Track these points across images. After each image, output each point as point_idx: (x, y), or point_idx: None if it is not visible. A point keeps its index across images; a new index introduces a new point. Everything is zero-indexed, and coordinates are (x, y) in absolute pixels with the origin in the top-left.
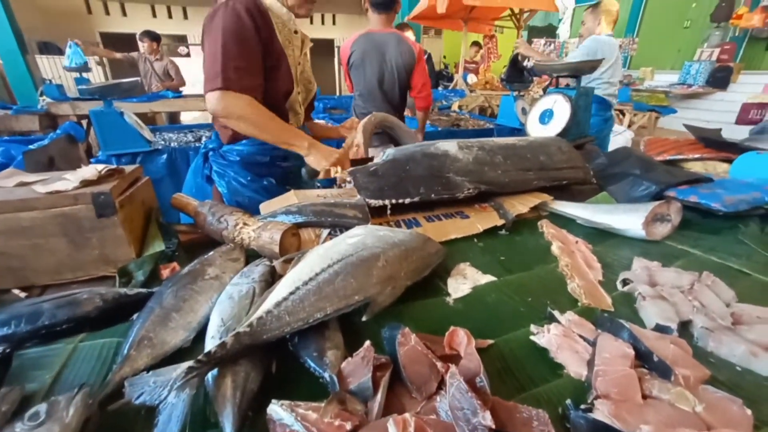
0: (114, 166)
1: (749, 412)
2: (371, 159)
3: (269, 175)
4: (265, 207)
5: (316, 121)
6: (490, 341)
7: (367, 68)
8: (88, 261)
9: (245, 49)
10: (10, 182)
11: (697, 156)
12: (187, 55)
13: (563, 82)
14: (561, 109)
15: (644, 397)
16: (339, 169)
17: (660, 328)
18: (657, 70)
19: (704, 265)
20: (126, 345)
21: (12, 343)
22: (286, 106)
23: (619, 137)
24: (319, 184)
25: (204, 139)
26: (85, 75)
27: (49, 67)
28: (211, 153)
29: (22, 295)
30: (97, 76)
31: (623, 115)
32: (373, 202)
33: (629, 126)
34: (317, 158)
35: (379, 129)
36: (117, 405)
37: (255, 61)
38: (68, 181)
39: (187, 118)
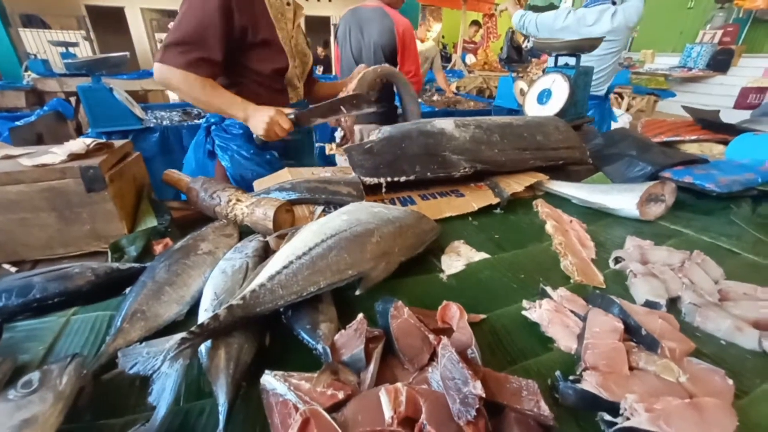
0: (103, 141)
1: (731, 382)
2: (358, 98)
3: (272, 148)
4: (259, 184)
5: (322, 82)
6: (483, 316)
7: (347, 45)
8: (78, 236)
9: (203, 21)
10: None
11: (693, 137)
12: None
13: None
14: (559, 88)
15: (631, 368)
16: (334, 145)
17: (649, 304)
18: (658, 52)
19: (695, 245)
20: (119, 318)
21: (3, 315)
22: (285, 82)
23: (618, 121)
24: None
25: (200, 116)
26: (71, 50)
27: (33, 41)
28: (213, 127)
29: (13, 269)
30: (83, 50)
31: (622, 98)
32: (368, 179)
33: (627, 109)
34: (254, 124)
35: (383, 81)
36: (111, 375)
37: (211, 37)
38: (55, 154)
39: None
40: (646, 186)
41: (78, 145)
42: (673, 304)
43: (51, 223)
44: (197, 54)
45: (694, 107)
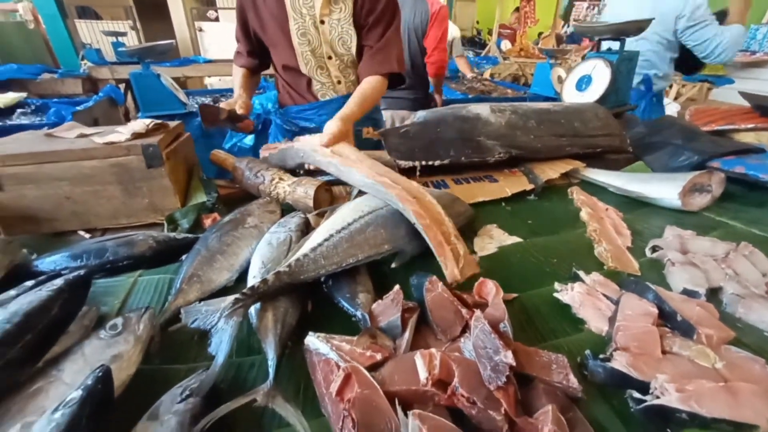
0: (160, 121)
1: None
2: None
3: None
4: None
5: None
6: (514, 295)
7: None
8: (139, 208)
9: (237, 23)
10: (71, 134)
11: (750, 126)
12: (216, 19)
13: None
14: (600, 74)
15: (664, 352)
16: (371, 129)
17: (687, 293)
18: None
19: (743, 237)
20: (178, 280)
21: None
22: (306, 75)
23: (666, 110)
24: None
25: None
26: (120, 39)
27: (87, 31)
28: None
29: (87, 236)
30: (131, 40)
31: (670, 86)
32: (403, 163)
33: (676, 98)
34: None
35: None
36: (176, 327)
37: (239, 33)
38: (121, 133)
39: (213, 82)
40: (690, 175)
41: (140, 124)
42: (714, 294)
43: (117, 196)
44: (237, 49)
45: (754, 93)
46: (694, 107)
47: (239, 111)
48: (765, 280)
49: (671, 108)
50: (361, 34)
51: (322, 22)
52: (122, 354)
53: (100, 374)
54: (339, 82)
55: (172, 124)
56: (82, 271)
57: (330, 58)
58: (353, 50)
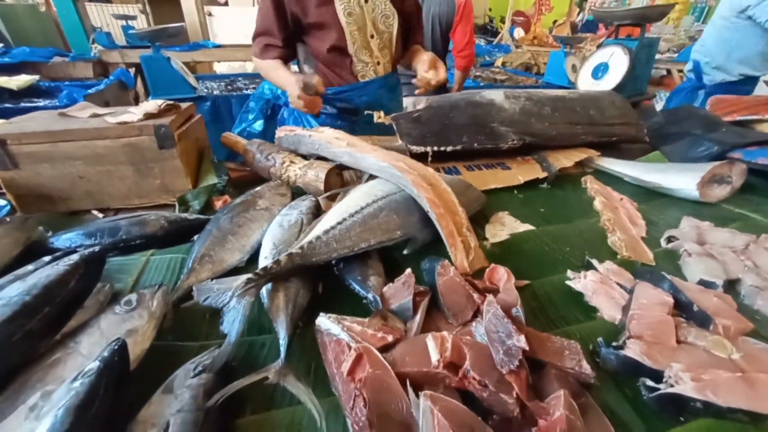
0: (171, 102)
1: None
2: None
3: (340, 126)
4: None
5: (416, 49)
6: (526, 281)
7: None
8: (151, 189)
9: (264, 13)
10: (85, 113)
11: None
12: (225, 3)
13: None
14: (618, 62)
15: (678, 342)
16: (382, 113)
17: (704, 284)
18: None
19: (764, 230)
20: (190, 259)
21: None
22: (350, 54)
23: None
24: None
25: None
26: (130, 23)
27: (97, 14)
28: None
29: (100, 215)
30: (141, 23)
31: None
32: (415, 148)
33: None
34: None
35: None
36: (188, 304)
37: (271, 26)
38: (133, 114)
39: (222, 67)
40: (709, 166)
41: (152, 105)
42: (732, 286)
43: (129, 176)
44: (264, 42)
45: None
46: (714, 96)
47: (320, 88)
48: None
49: None
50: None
51: (367, 1)
52: (137, 329)
53: (116, 347)
54: (378, 63)
55: (184, 105)
56: (96, 248)
57: (372, 36)
58: (394, 28)
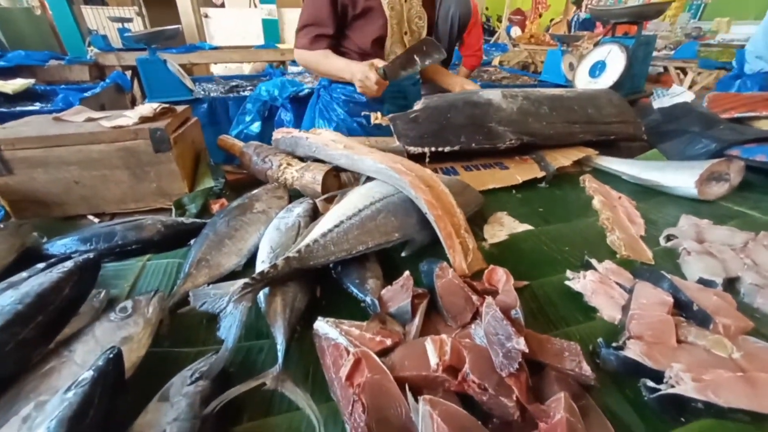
0: (167, 105)
1: None
2: (427, 44)
3: (354, 129)
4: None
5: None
6: (525, 282)
7: None
8: (147, 193)
9: (316, 4)
10: (79, 117)
11: None
12: (222, 5)
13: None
14: (615, 60)
15: (679, 342)
16: (379, 115)
17: (703, 282)
18: (735, 21)
19: (763, 227)
20: (186, 264)
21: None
22: (385, 50)
23: (676, 100)
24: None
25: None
26: (127, 25)
27: (93, 17)
28: (322, 89)
29: (96, 220)
30: (137, 26)
31: (684, 74)
32: (412, 149)
33: (690, 87)
34: (354, 81)
35: None
36: (185, 310)
37: (323, 15)
38: (129, 117)
39: (219, 69)
40: (708, 163)
41: (147, 108)
42: (731, 284)
43: (125, 180)
44: (314, 32)
45: None
46: (711, 93)
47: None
48: None
49: (684, 97)
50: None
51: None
52: (132, 336)
53: (111, 355)
54: None
55: (180, 108)
56: (91, 254)
57: (406, 33)
58: (423, 30)
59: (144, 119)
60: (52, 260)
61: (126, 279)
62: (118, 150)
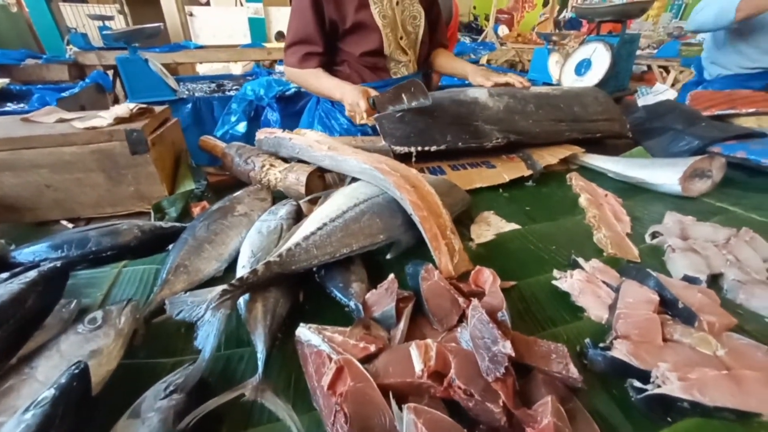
0: (145, 105)
1: None
2: (414, 85)
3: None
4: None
5: (441, 51)
6: (512, 282)
7: None
8: (125, 196)
9: (302, 21)
10: (50, 118)
11: (751, 110)
12: (207, 3)
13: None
14: (600, 58)
15: (665, 340)
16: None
17: (688, 279)
18: None
19: (744, 223)
20: (164, 271)
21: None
22: (385, 57)
23: (660, 97)
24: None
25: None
26: (107, 23)
27: (72, 15)
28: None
29: (70, 225)
30: (118, 24)
31: (667, 72)
32: (398, 148)
33: (673, 84)
34: (345, 104)
35: None
36: (160, 319)
37: (310, 33)
38: (103, 118)
39: (205, 69)
40: (691, 161)
41: (123, 109)
42: (715, 281)
43: (101, 183)
44: (303, 50)
45: None
46: (694, 91)
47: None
48: (766, 266)
49: (667, 95)
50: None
51: (398, 3)
52: (102, 349)
53: (76, 371)
54: (410, 61)
55: (158, 108)
56: (58, 263)
57: (401, 38)
58: (420, 28)
59: (120, 120)
60: (17, 270)
61: (99, 287)
62: (92, 152)
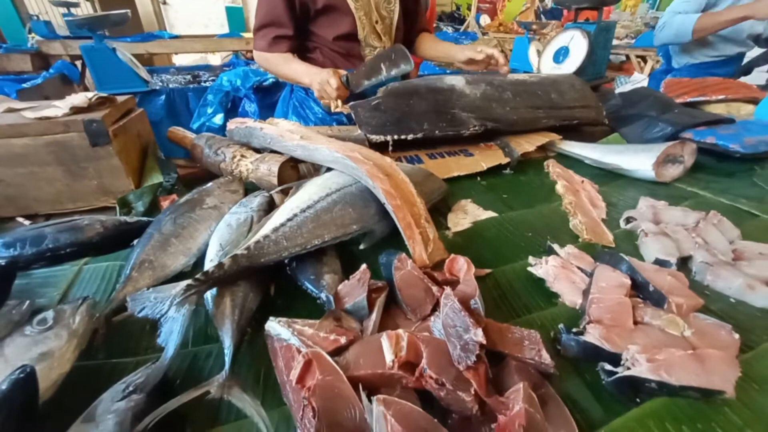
0: (105, 95)
1: (737, 336)
2: (396, 52)
3: (341, 113)
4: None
5: (428, 36)
6: (488, 270)
7: None
8: (87, 191)
9: (271, 3)
10: None
11: (720, 97)
12: None
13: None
14: (578, 45)
15: (636, 323)
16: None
17: (659, 262)
18: None
19: (713, 207)
20: (128, 267)
21: (18, 264)
22: (360, 43)
23: (638, 86)
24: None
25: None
26: (73, 11)
27: (34, 1)
28: (296, 85)
29: (27, 222)
30: (85, 11)
31: (644, 62)
32: (374, 137)
33: (650, 73)
34: (313, 89)
35: None
36: (121, 317)
37: (279, 14)
38: (58, 108)
39: (182, 60)
40: (663, 146)
41: (80, 98)
42: (685, 263)
43: (59, 178)
44: (273, 34)
45: None
46: (668, 78)
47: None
48: (732, 247)
49: (645, 84)
50: None
51: None
52: (53, 351)
53: (20, 376)
54: (384, 47)
55: (122, 97)
56: (2, 261)
57: (377, 22)
58: (395, 13)
59: (77, 110)
60: None
61: (57, 287)
62: (47, 144)
